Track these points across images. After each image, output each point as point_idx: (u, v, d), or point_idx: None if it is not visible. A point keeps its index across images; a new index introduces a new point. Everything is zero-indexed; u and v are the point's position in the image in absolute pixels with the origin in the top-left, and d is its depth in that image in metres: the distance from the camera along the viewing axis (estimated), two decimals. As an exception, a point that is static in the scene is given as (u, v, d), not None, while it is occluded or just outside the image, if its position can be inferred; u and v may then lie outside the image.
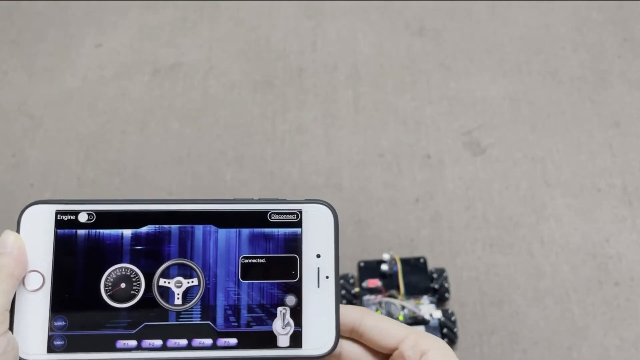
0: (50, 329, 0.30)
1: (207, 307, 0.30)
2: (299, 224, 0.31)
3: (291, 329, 0.30)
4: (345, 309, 0.32)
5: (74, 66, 1.04)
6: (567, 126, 0.94)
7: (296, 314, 0.30)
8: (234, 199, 0.32)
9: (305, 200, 0.32)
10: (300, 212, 0.31)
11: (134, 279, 0.31)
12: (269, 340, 0.30)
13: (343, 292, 0.77)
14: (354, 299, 0.77)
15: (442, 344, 0.32)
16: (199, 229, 0.31)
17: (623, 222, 0.84)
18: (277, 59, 1.03)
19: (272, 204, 0.32)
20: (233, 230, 0.31)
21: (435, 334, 0.73)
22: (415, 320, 0.75)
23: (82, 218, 0.32)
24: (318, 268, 0.31)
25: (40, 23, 1.10)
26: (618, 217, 0.85)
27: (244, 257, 0.31)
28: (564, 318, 0.77)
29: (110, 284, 0.31)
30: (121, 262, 0.31)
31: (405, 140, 0.93)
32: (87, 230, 0.31)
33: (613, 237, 0.83)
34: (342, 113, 0.97)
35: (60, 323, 0.30)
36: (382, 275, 0.78)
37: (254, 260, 0.31)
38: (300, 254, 0.31)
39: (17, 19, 1.11)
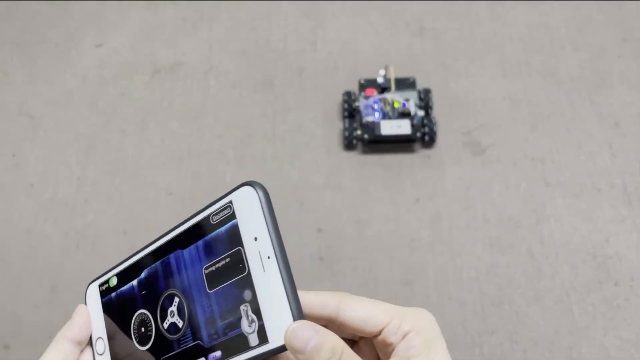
0: None
1: (194, 328, 0.31)
2: (233, 215, 0.30)
3: (256, 324, 0.28)
4: (319, 297, 0.30)
5: (74, 66, 1.04)
6: (567, 126, 0.94)
7: (256, 307, 0.29)
8: (191, 215, 0.32)
9: (233, 188, 0.30)
10: (231, 202, 0.30)
11: (147, 321, 0.33)
12: (243, 343, 0.29)
13: (345, 105, 0.93)
14: (354, 112, 0.94)
15: (426, 325, 0.30)
16: (172, 257, 0.32)
17: (623, 222, 0.84)
18: (277, 59, 1.03)
19: (211, 206, 0.31)
20: (193, 246, 0.31)
21: (418, 128, 0.89)
22: (402, 114, 0.91)
23: (111, 283, 0.36)
24: (259, 252, 0.29)
25: (40, 23, 1.10)
26: (618, 217, 0.85)
27: (205, 268, 0.31)
28: (564, 318, 0.77)
29: (136, 330, 0.34)
30: (138, 309, 0.34)
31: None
32: (116, 292, 0.35)
33: (613, 237, 0.83)
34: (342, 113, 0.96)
35: None
36: (379, 88, 0.95)
37: (212, 268, 0.30)
38: (242, 244, 0.30)
39: (17, 19, 1.11)
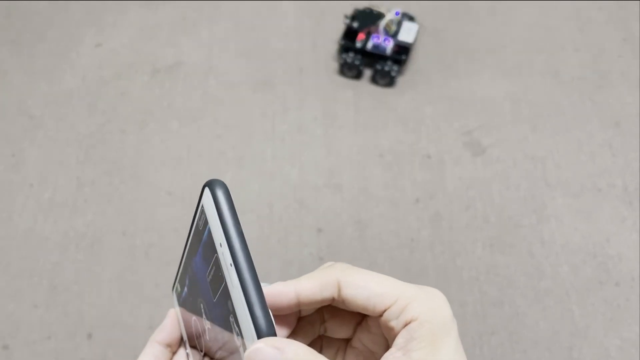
0: None
1: (216, 338, 0.28)
2: (207, 221, 0.27)
3: (240, 338, 0.25)
4: (316, 280, 0.27)
5: (73, 66, 1.04)
6: (567, 126, 0.94)
7: (236, 319, 0.25)
8: (191, 221, 0.30)
9: (201, 190, 0.27)
10: (203, 206, 0.27)
11: (198, 327, 0.31)
12: (239, 356, 0.25)
13: (344, 48, 0.98)
14: (359, 50, 0.99)
15: (435, 312, 0.27)
16: (193, 264, 0.30)
17: (623, 222, 0.84)
18: (277, 59, 1.03)
19: (196, 211, 0.28)
20: (197, 253, 0.29)
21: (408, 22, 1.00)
22: (400, 22, 1.00)
23: (177, 290, 0.34)
24: (224, 259, 0.25)
25: (40, 23, 1.10)
26: (618, 217, 0.85)
27: (207, 276, 0.28)
28: (564, 318, 0.77)
29: (194, 336, 0.32)
30: (192, 315, 0.32)
31: (405, 140, 0.93)
32: (182, 297, 0.33)
33: (613, 237, 0.83)
34: (342, 113, 0.96)
35: None
36: (356, 32, 1.00)
37: (210, 276, 0.27)
38: (216, 251, 0.26)
39: (16, 19, 1.11)
